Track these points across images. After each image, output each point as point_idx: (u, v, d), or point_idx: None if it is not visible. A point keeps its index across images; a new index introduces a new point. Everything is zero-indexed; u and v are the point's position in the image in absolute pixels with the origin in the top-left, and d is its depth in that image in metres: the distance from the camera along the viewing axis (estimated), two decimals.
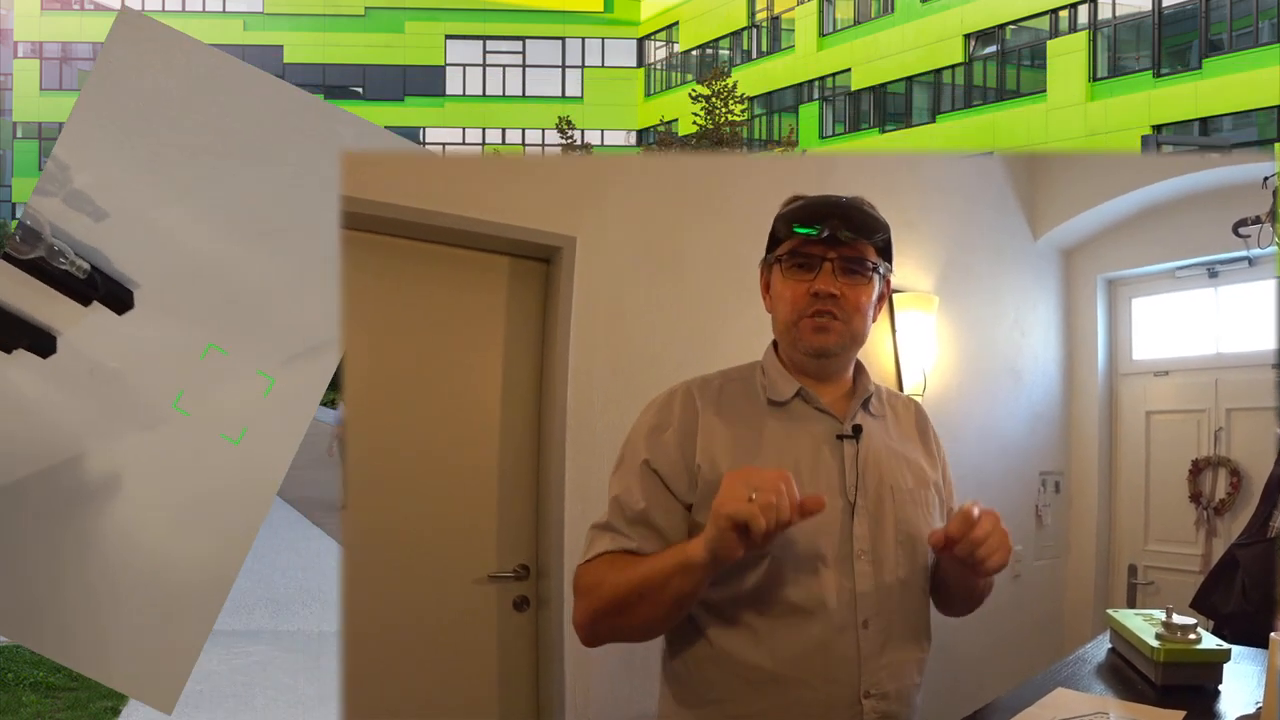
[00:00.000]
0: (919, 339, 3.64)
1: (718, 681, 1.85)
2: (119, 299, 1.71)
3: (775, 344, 1.95)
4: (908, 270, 3.64)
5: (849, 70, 31.11)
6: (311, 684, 6.10)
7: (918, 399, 3.39)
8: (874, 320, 1.94)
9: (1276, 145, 22.24)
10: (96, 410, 1.76)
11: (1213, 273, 4.40)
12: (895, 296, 3.62)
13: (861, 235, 1.85)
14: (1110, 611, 2.46)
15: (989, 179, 3.90)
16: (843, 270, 1.86)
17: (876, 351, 3.59)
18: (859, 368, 1.99)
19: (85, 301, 1.69)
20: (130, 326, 1.74)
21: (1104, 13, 25.28)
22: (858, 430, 1.87)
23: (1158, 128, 23.40)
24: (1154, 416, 4.37)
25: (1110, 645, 2.45)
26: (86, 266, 1.69)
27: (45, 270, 1.66)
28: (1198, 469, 4.50)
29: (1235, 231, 3.95)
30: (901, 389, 3.58)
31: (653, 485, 1.85)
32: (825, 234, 1.82)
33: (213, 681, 6.11)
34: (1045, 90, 26.24)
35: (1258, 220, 3.84)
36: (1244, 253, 4.14)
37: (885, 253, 1.91)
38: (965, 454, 3.78)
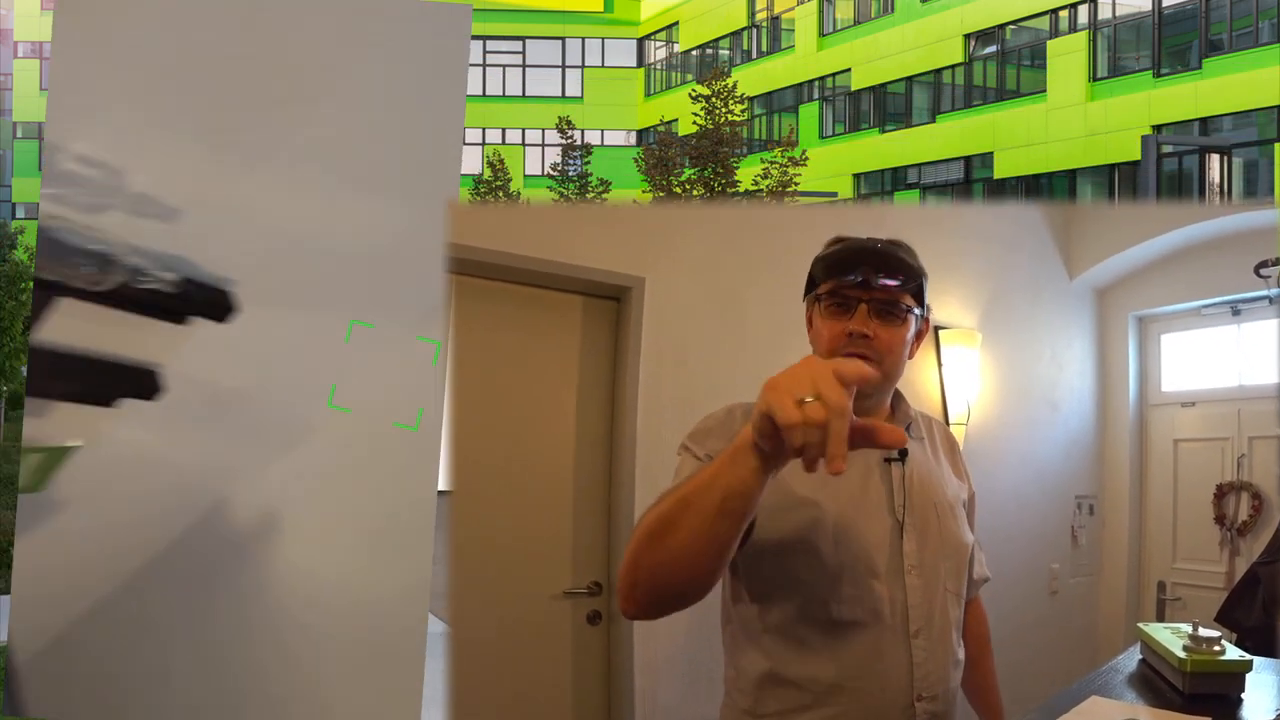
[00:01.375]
0: (963, 372, 3.86)
1: (779, 694, 1.93)
2: (216, 304, 1.40)
3: None
4: (953, 309, 3.83)
5: (849, 70, 31.12)
6: None
7: (960, 426, 3.59)
8: (910, 357, 2.03)
9: (1276, 145, 22.25)
10: (226, 443, 1.45)
11: (1235, 310, 4.61)
12: (941, 333, 3.85)
13: (894, 280, 1.94)
14: (1141, 625, 2.61)
15: (1028, 225, 4.16)
16: (877, 312, 1.96)
17: (924, 383, 3.79)
18: (897, 395, 2.08)
19: (180, 318, 1.39)
20: (239, 331, 1.44)
21: (1104, 13, 25.29)
22: (904, 454, 1.97)
23: (1158, 128, 23.40)
24: (1181, 444, 4.60)
25: (1141, 657, 2.59)
26: (174, 278, 1.39)
27: (127, 297, 1.37)
28: (1221, 493, 4.72)
29: (1256, 272, 4.17)
30: (947, 419, 3.78)
31: None
32: (859, 279, 1.92)
33: None
34: (1045, 90, 26.24)
35: (1278, 262, 4.05)
36: (1264, 292, 4.35)
37: (919, 295, 2.00)
38: (1005, 478, 4.01)
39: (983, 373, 3.94)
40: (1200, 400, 4.58)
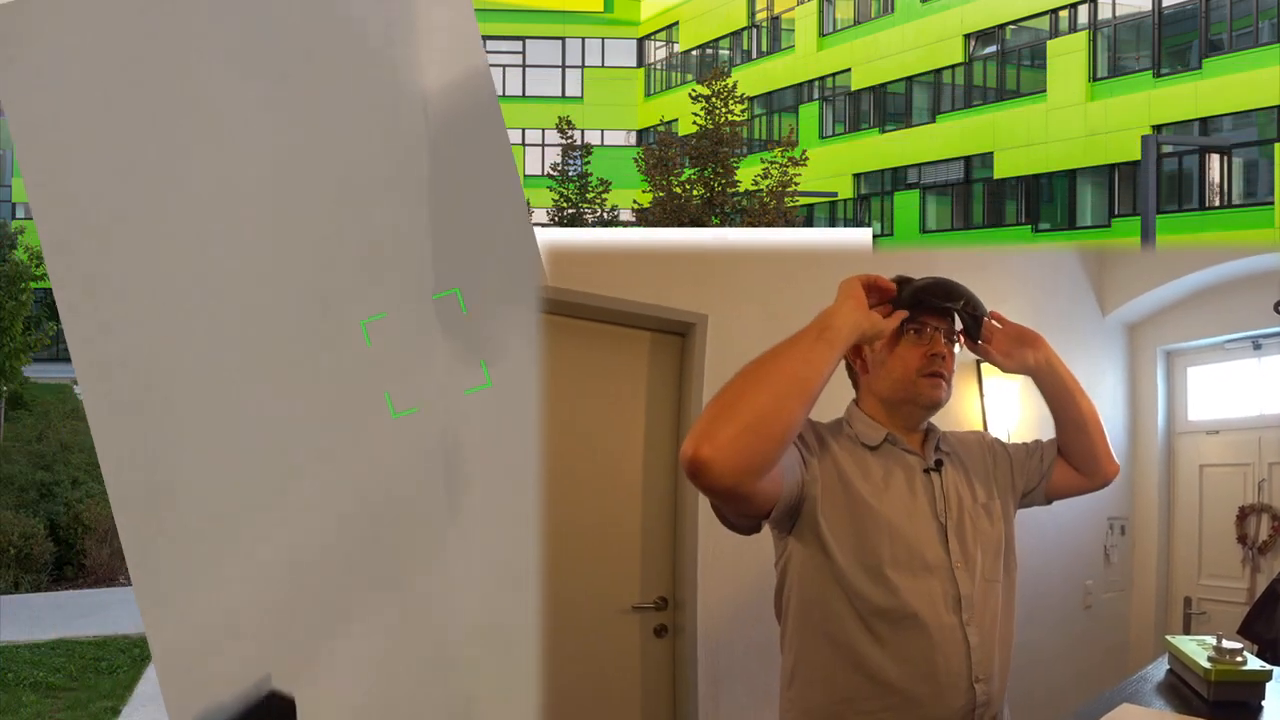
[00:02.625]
0: (1003, 402, 4.06)
1: (846, 684, 2.11)
2: None
3: (856, 401, 2.28)
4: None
5: (849, 70, 31.15)
6: None
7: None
8: None
9: (1276, 145, 22.27)
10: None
11: (1256, 345, 4.85)
12: (982, 366, 4.04)
13: (980, 312, 2.26)
14: (1169, 637, 2.80)
15: (1064, 268, 4.47)
16: (945, 337, 2.23)
17: (967, 411, 3.99)
18: None
19: None
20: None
21: (1104, 13, 25.31)
22: (939, 464, 2.22)
23: (1158, 128, 23.43)
24: (1206, 469, 4.85)
25: (1169, 667, 2.76)
26: None
27: None
28: (1243, 515, 4.93)
29: (1276, 309, 4.41)
30: None
31: None
32: (959, 308, 2.21)
33: None
34: (1045, 90, 26.26)
35: None
36: None
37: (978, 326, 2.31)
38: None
39: (1022, 402, 4.11)
40: (1224, 428, 4.83)
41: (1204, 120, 23.34)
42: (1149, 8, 24.37)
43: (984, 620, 2.17)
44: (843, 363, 2.25)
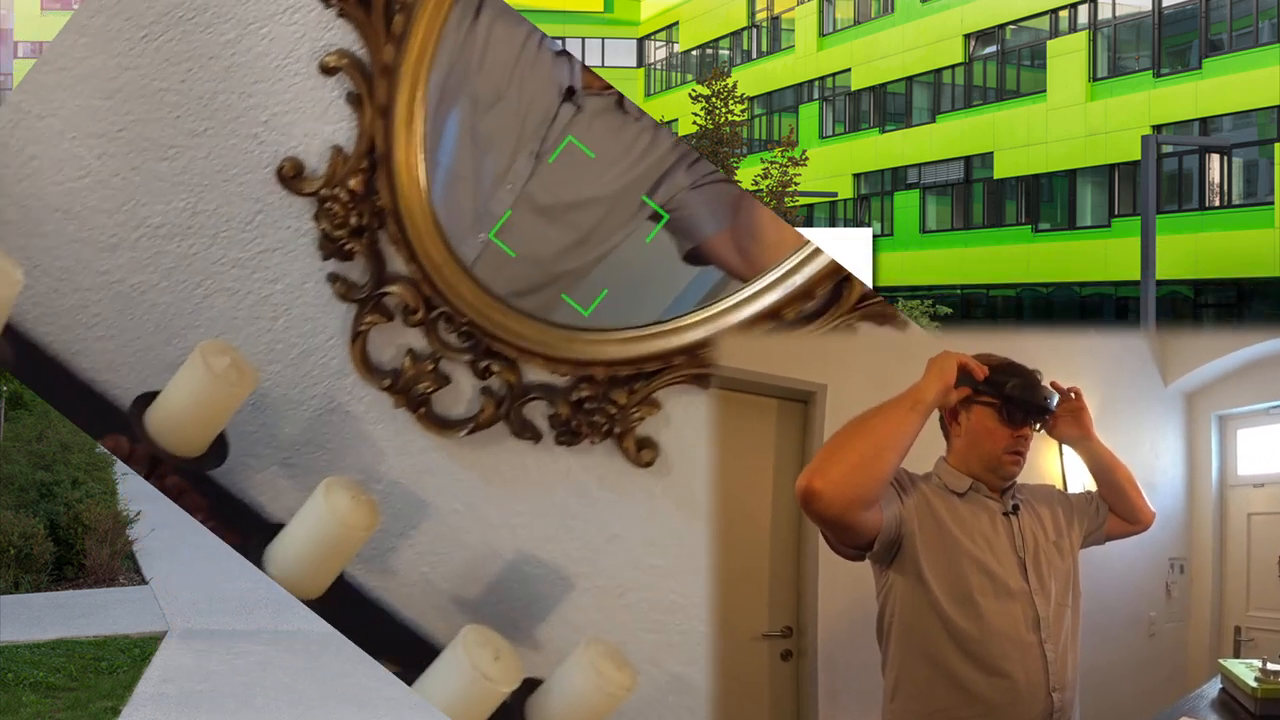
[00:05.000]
0: (1080, 461, 4.42)
1: (942, 697, 2.48)
2: None
3: (945, 457, 2.62)
4: None
5: (849, 70, 31.18)
6: (311, 684, 6.08)
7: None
8: None
9: (1276, 145, 22.29)
10: None
11: None
12: None
13: (1053, 407, 2.63)
14: (1221, 661, 3.15)
15: (1131, 346, 4.86)
16: (1031, 427, 2.63)
17: (1048, 467, 4.33)
18: None
19: None
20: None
21: (1104, 13, 25.34)
22: (1015, 508, 2.59)
23: (1158, 128, 23.46)
24: (1253, 517, 5.19)
25: (1221, 686, 3.13)
26: None
27: None
28: None
29: None
30: None
31: None
32: (1049, 412, 2.60)
33: (213, 681, 6.12)
34: (1045, 90, 26.29)
35: None
36: None
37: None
38: (1113, 543, 4.74)
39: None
40: (1269, 482, 5.25)
41: (1204, 120, 23.37)
42: (1149, 8, 24.39)
43: (1058, 638, 2.56)
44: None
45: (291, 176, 2.23)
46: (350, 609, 2.35)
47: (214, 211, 2.29)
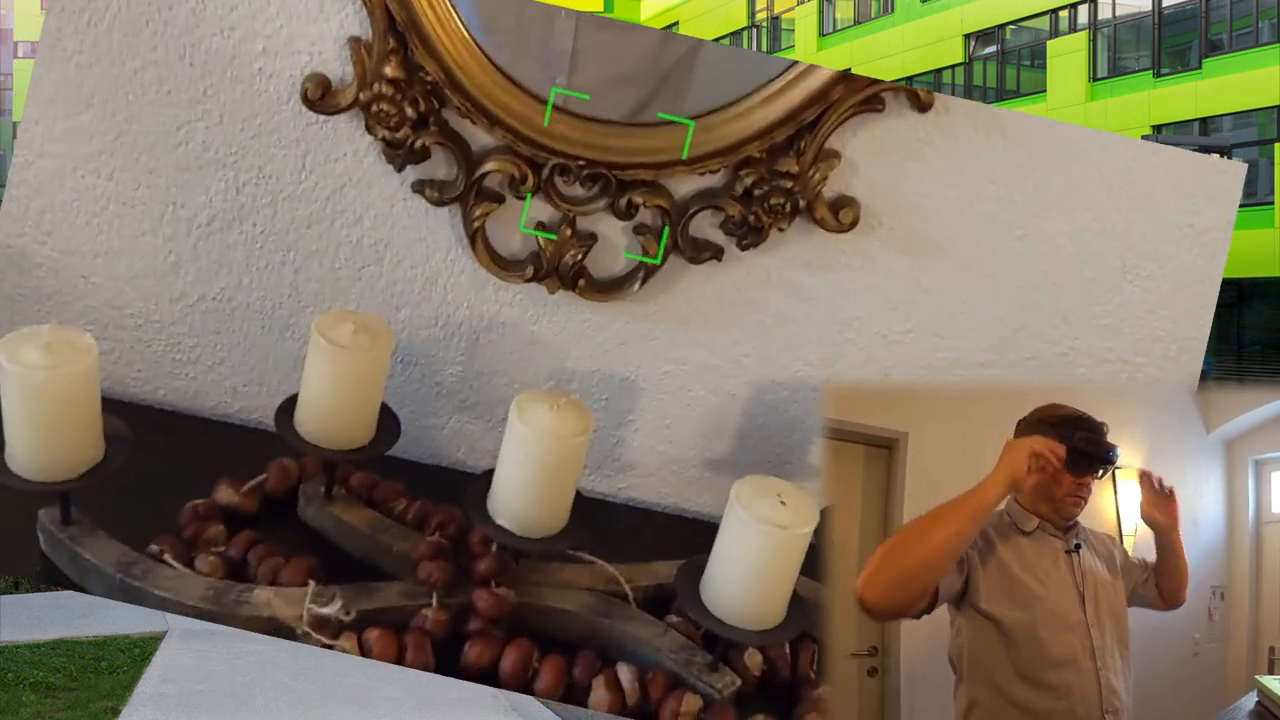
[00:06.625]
0: (1132, 500, 4.64)
1: (1009, 717, 2.64)
2: None
3: (1017, 498, 2.75)
4: (1126, 455, 4.65)
5: (849, 70, 31.20)
6: (311, 684, 6.11)
7: (1131, 537, 4.62)
8: None
9: (1276, 145, 22.31)
10: None
11: None
12: (1118, 471, 4.67)
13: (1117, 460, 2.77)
14: (1258, 677, 3.38)
15: (1177, 398, 5.13)
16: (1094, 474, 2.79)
17: (1104, 509, 4.56)
18: None
19: None
20: None
21: (1104, 13, 25.36)
22: (1078, 547, 2.76)
23: (1158, 128, 23.47)
24: None
25: (1257, 699, 3.36)
26: None
27: None
28: None
29: None
30: (1120, 534, 4.76)
31: None
32: (1114, 456, 2.71)
33: (213, 681, 6.13)
34: (1045, 90, 26.30)
35: None
36: None
37: None
38: None
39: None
40: None
41: (1204, 120, 23.39)
42: (1149, 8, 24.41)
43: (1113, 666, 2.75)
44: None
45: (320, 96, 1.90)
46: (601, 525, 2.02)
47: (258, 177, 2.00)
